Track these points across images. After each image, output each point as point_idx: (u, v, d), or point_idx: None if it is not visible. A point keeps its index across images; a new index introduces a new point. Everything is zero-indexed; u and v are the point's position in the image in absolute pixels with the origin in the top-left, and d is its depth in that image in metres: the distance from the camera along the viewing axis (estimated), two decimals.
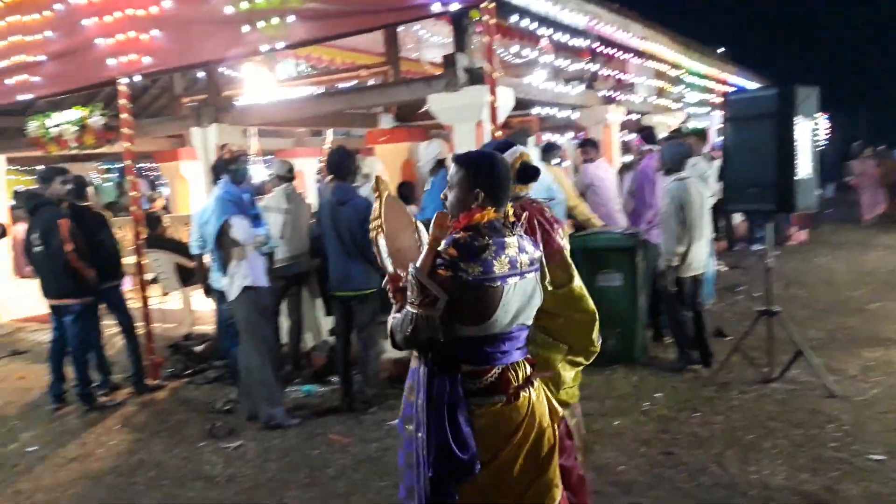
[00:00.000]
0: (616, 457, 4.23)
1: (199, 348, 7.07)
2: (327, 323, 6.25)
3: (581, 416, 3.46)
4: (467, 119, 5.70)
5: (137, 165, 13.95)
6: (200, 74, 11.27)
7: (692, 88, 11.43)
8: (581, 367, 3.18)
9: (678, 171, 5.69)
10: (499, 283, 2.19)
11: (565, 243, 3.16)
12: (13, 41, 7.06)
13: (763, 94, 5.42)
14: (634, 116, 9.90)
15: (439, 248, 2.19)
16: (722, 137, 6.02)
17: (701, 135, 8.31)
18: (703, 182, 6.26)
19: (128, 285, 7.76)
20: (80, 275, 5.73)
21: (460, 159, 2.41)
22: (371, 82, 9.20)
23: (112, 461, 4.69)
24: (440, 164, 6.11)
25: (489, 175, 2.32)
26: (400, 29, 9.48)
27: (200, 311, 8.15)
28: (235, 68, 10.82)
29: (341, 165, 5.20)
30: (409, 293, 2.22)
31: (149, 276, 7.18)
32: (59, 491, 4.32)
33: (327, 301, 5.90)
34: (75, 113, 8.37)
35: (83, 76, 6.84)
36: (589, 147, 7.18)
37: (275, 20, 5.53)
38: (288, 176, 6.32)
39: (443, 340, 2.22)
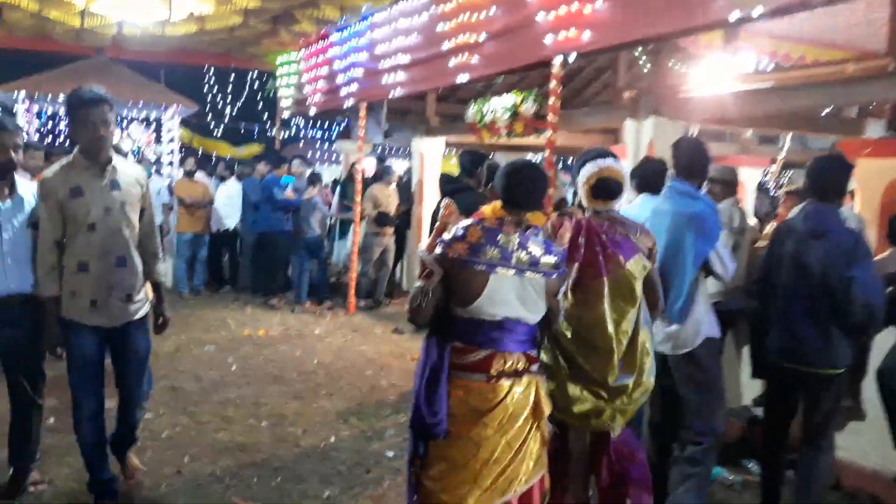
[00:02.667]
0: None
1: None
2: (752, 387, 4.68)
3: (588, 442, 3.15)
4: None
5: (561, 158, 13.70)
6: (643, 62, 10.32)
7: None
8: (612, 404, 2.98)
9: None
10: (483, 268, 2.51)
11: (632, 269, 2.96)
12: (461, 21, 6.88)
13: None
14: None
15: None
16: None
17: None
18: None
19: None
20: None
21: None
22: None
23: None
24: None
25: (501, 179, 2.69)
26: None
27: None
28: (686, 58, 9.60)
29: (829, 179, 3.57)
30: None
31: None
32: None
33: (756, 359, 4.29)
34: (510, 98, 8.06)
35: (519, 56, 6.29)
36: None
37: None
38: (734, 183, 4.98)
39: (442, 316, 2.60)
